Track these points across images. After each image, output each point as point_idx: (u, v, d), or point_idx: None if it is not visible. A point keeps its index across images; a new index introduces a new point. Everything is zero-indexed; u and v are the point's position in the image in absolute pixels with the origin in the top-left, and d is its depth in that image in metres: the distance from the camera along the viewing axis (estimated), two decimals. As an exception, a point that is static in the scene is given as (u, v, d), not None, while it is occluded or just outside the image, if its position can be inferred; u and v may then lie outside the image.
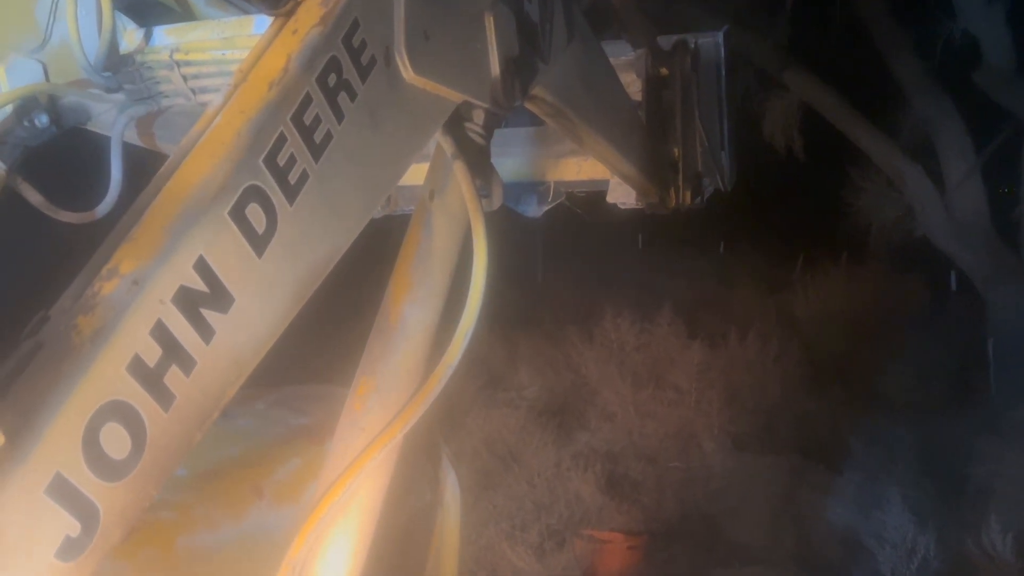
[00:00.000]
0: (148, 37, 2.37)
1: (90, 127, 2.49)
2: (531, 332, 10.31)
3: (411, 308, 1.65)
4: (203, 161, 1.25)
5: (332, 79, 1.37)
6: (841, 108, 10.66)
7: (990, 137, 9.94)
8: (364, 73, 1.42)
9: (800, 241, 13.16)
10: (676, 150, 2.79)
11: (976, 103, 9.84)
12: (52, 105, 2.32)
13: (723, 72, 2.92)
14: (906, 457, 6.47)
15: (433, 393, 1.54)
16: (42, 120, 2.29)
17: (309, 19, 1.38)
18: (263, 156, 1.27)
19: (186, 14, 2.49)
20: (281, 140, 1.29)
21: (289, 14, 1.40)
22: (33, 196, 2.33)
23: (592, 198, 3.05)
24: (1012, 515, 5.08)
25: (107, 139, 2.39)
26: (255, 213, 1.26)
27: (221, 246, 1.23)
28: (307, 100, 1.33)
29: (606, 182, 2.84)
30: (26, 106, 2.27)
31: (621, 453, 7.57)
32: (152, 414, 1.14)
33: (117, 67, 2.32)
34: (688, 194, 2.81)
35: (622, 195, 2.83)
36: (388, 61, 1.47)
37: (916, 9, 10.37)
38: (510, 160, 2.86)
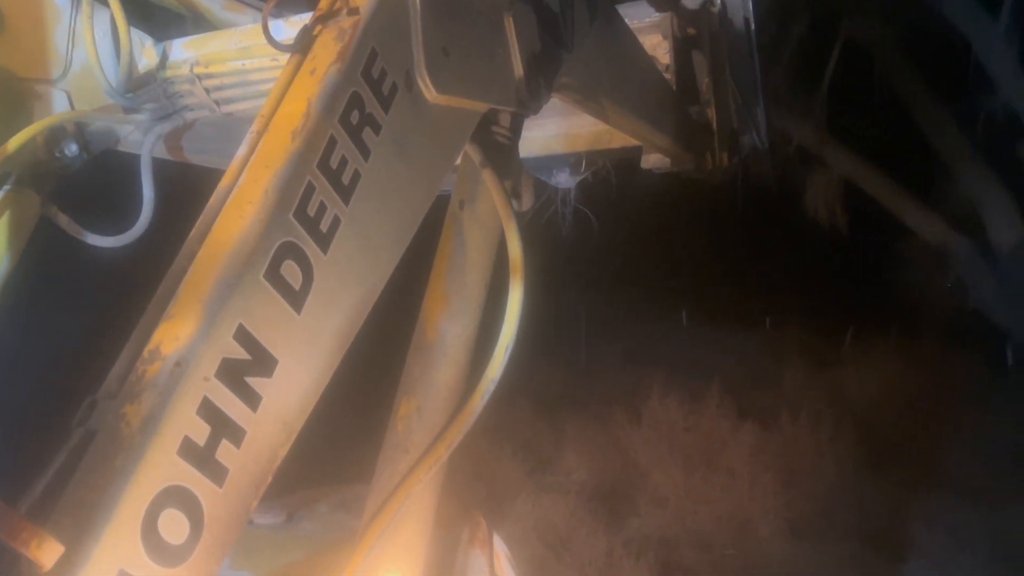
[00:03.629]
0: (166, 52, 2.39)
1: (120, 148, 2.50)
2: (577, 413, 10.20)
3: (448, 323, 1.59)
4: (233, 224, 1.21)
5: (355, 116, 1.31)
6: (883, 183, 10.65)
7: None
8: (386, 103, 1.36)
9: (848, 317, 12.97)
10: (709, 111, 2.68)
11: (1021, 174, 9.75)
12: (80, 132, 2.36)
13: (752, 25, 2.80)
14: (973, 542, 6.22)
15: (476, 410, 1.50)
16: (72, 148, 2.32)
17: (326, 56, 1.32)
18: (293, 210, 1.23)
19: (201, 22, 2.54)
20: (310, 190, 1.25)
21: (305, 51, 1.35)
22: (67, 224, 2.36)
23: (626, 166, 2.88)
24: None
25: (137, 158, 2.39)
26: (290, 270, 1.22)
27: (259, 311, 1.19)
28: (332, 143, 1.28)
29: (638, 148, 2.73)
30: (55, 136, 2.31)
31: (674, 540, 7.38)
32: (207, 493, 1.13)
33: (139, 86, 2.35)
34: (725, 155, 2.70)
35: (656, 161, 2.71)
36: (409, 85, 1.41)
37: (955, 86, 10.41)
38: (540, 133, 2.79)
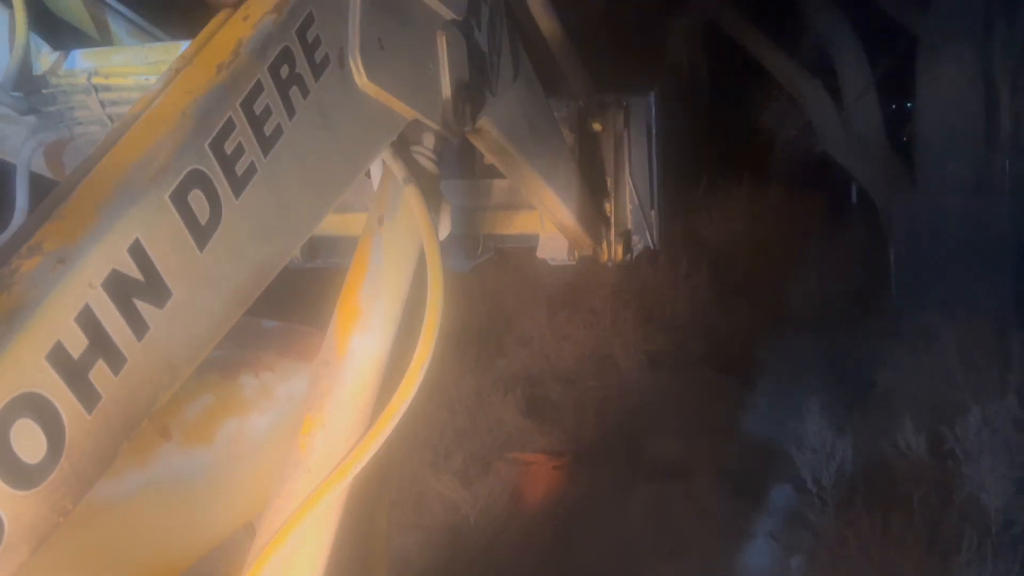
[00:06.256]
0: (65, 60, 2.16)
1: None
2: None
3: (360, 339, 1.56)
4: (143, 139, 1.14)
5: (284, 71, 1.30)
6: (744, 26, 10.71)
7: (886, 54, 10.16)
8: (317, 71, 1.36)
9: (706, 161, 13.31)
10: (608, 205, 2.86)
11: (873, 20, 10.00)
12: None
13: (654, 131, 3.00)
14: (817, 367, 6.69)
15: (386, 432, 1.46)
16: None
17: (262, 5, 1.31)
18: (209, 140, 1.17)
19: (105, 43, 2.29)
20: (229, 126, 1.20)
21: (237, 6, 1.32)
22: None
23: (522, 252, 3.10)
24: (923, 415, 5.31)
25: (13, 166, 2.15)
26: (198, 201, 1.15)
27: (160, 231, 1.11)
28: (258, 88, 1.25)
29: (536, 237, 2.86)
30: None
31: (540, 377, 7.60)
32: (73, 413, 0.99)
33: (29, 88, 2.11)
34: (620, 249, 2.87)
35: (552, 250, 2.84)
36: (342, 63, 1.42)
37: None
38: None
